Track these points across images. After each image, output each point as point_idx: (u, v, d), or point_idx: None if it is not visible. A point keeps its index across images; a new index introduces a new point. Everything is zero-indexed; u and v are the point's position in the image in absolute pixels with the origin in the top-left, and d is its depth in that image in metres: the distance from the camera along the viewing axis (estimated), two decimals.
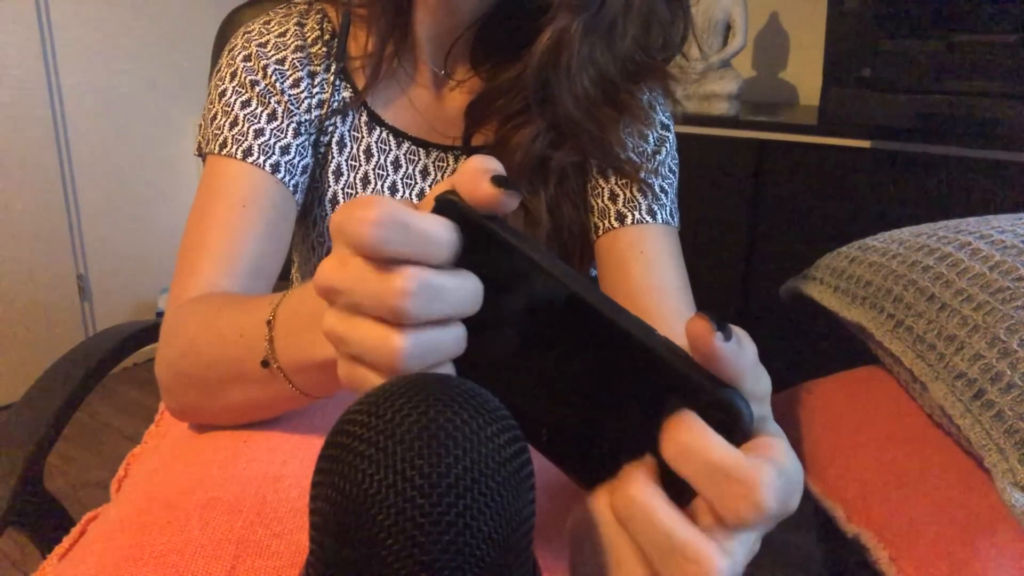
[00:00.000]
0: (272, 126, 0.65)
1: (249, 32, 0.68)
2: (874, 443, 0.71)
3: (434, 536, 0.24)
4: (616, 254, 0.66)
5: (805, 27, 1.99)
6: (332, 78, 0.68)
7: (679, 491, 0.28)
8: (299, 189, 0.66)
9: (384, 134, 0.70)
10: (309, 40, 0.68)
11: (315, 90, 0.68)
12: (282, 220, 0.64)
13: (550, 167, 0.66)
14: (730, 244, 1.72)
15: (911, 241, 0.77)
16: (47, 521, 0.68)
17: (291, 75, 0.66)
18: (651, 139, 0.70)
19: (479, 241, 0.31)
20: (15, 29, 2.00)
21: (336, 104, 0.68)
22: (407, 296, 0.29)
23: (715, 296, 1.76)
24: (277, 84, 0.66)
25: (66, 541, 0.54)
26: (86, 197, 2.20)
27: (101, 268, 2.27)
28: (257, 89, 0.65)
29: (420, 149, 0.70)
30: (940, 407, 0.65)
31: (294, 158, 0.65)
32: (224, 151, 0.63)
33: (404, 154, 0.70)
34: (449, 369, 0.32)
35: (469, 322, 0.31)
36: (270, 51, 0.67)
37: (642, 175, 0.67)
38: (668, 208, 0.68)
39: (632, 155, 0.68)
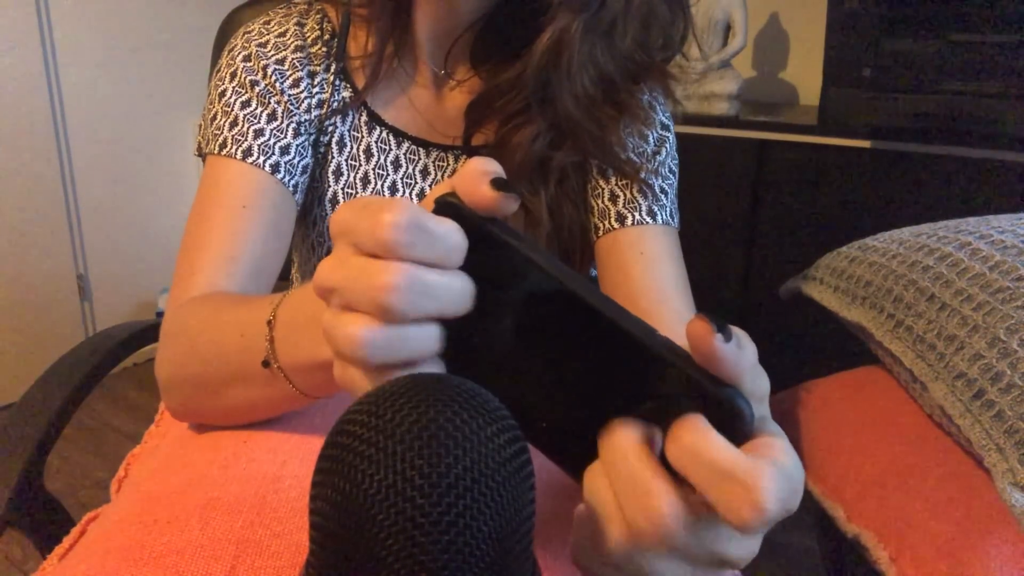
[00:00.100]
0: (272, 126, 0.65)
1: (249, 32, 0.68)
2: (874, 443, 0.71)
3: (434, 536, 0.24)
4: (616, 255, 0.66)
5: (805, 27, 1.99)
6: (332, 78, 0.68)
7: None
8: (299, 189, 0.66)
9: (384, 134, 0.70)
10: (309, 40, 0.68)
11: (315, 90, 0.68)
12: (282, 220, 0.64)
13: (550, 167, 0.66)
14: (730, 244, 1.72)
15: (911, 241, 0.77)
16: (47, 521, 0.68)
17: (291, 75, 0.66)
18: (651, 139, 0.70)
19: (479, 242, 0.31)
20: (15, 29, 2.01)
21: (336, 104, 0.68)
22: (394, 291, 0.29)
23: (715, 296, 1.76)
24: (277, 84, 0.66)
25: (66, 541, 0.54)
26: (86, 197, 2.20)
27: (101, 268, 2.27)
28: (257, 89, 0.65)
29: (420, 149, 0.70)
30: (940, 407, 0.65)
31: (294, 158, 0.65)
32: (224, 151, 0.63)
33: (404, 154, 0.70)
34: (437, 367, 0.32)
35: (470, 322, 0.31)
36: (270, 51, 0.67)
37: (642, 175, 0.67)
38: (668, 209, 0.68)
39: (632, 155, 0.68)
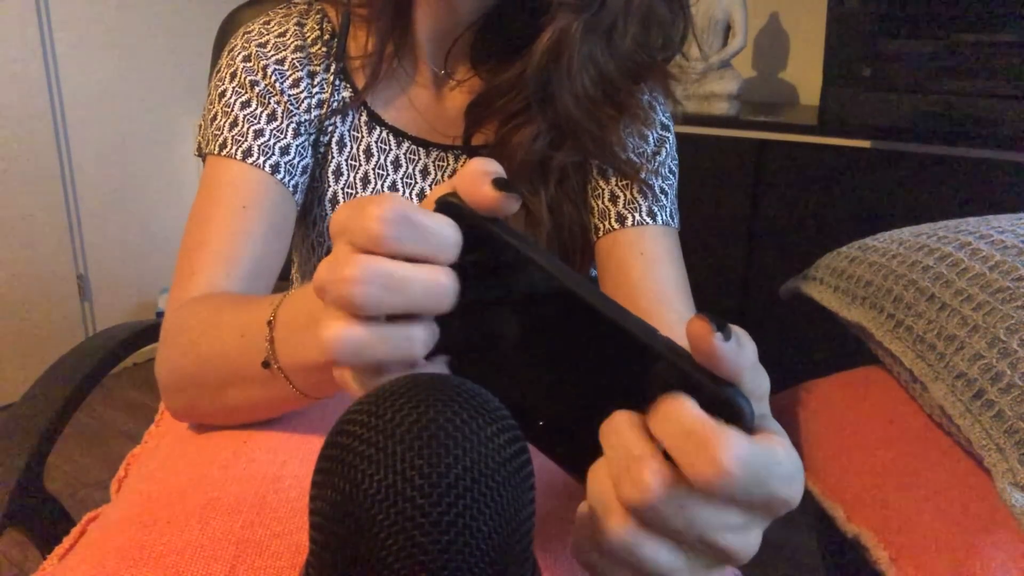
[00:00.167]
0: (272, 126, 0.65)
1: (249, 32, 0.68)
2: (874, 443, 0.71)
3: (434, 536, 0.24)
4: (616, 255, 0.66)
5: (805, 27, 1.99)
6: (332, 78, 0.68)
7: None
8: (299, 189, 0.66)
9: (384, 134, 0.70)
10: (309, 40, 0.68)
11: (315, 90, 0.68)
12: (282, 220, 0.64)
13: (551, 167, 0.66)
14: (730, 244, 1.72)
15: (911, 241, 0.77)
16: (47, 521, 0.68)
17: (291, 75, 0.66)
18: (651, 139, 0.70)
19: (480, 242, 0.31)
20: (15, 29, 2.01)
21: (336, 104, 0.68)
22: (354, 283, 0.29)
23: (715, 296, 1.76)
24: (277, 84, 0.66)
25: (66, 541, 0.54)
26: (86, 197, 2.20)
27: (101, 268, 2.27)
28: (257, 89, 0.65)
29: (420, 148, 0.70)
30: (940, 407, 0.65)
31: (294, 158, 0.65)
32: (224, 152, 0.63)
33: (404, 153, 0.70)
34: (440, 367, 0.32)
35: (471, 322, 0.31)
36: (270, 51, 0.67)
37: (642, 176, 0.67)
38: (668, 209, 0.68)
39: (632, 156, 0.68)
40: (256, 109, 0.65)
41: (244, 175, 0.63)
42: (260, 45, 0.67)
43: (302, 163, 0.66)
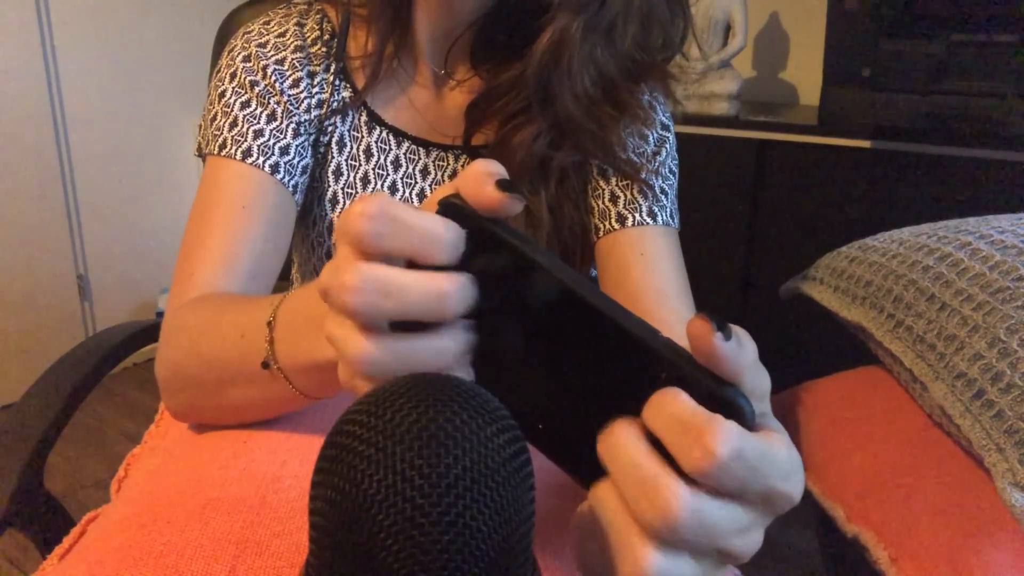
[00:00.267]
0: (272, 127, 0.65)
1: (249, 33, 0.68)
2: (874, 443, 0.71)
3: (434, 536, 0.24)
4: (616, 256, 0.66)
5: (805, 27, 1.99)
6: (332, 78, 0.68)
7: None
8: (299, 189, 0.66)
9: (384, 134, 0.70)
10: (309, 40, 0.68)
11: (315, 90, 0.68)
12: (282, 220, 0.64)
13: (551, 167, 0.66)
14: (730, 244, 1.72)
15: (911, 241, 0.77)
16: (47, 521, 0.68)
17: (291, 75, 0.66)
18: (651, 139, 0.70)
19: (482, 243, 0.31)
20: (15, 29, 2.01)
21: (336, 104, 0.68)
22: (350, 291, 0.29)
23: (715, 296, 1.76)
24: (277, 84, 0.66)
25: (66, 541, 0.54)
26: (86, 197, 2.21)
27: (101, 268, 2.27)
28: (257, 90, 0.65)
29: (420, 148, 0.70)
30: (940, 407, 0.65)
31: (293, 158, 0.65)
32: (224, 152, 0.63)
33: (404, 153, 0.70)
34: (464, 372, 0.31)
35: (472, 322, 0.31)
36: (270, 51, 0.67)
37: (643, 176, 0.67)
38: (668, 209, 0.68)
39: (632, 156, 0.68)
40: (256, 109, 0.65)
41: (244, 175, 0.63)
42: (260, 45, 0.67)
43: (302, 163, 0.66)
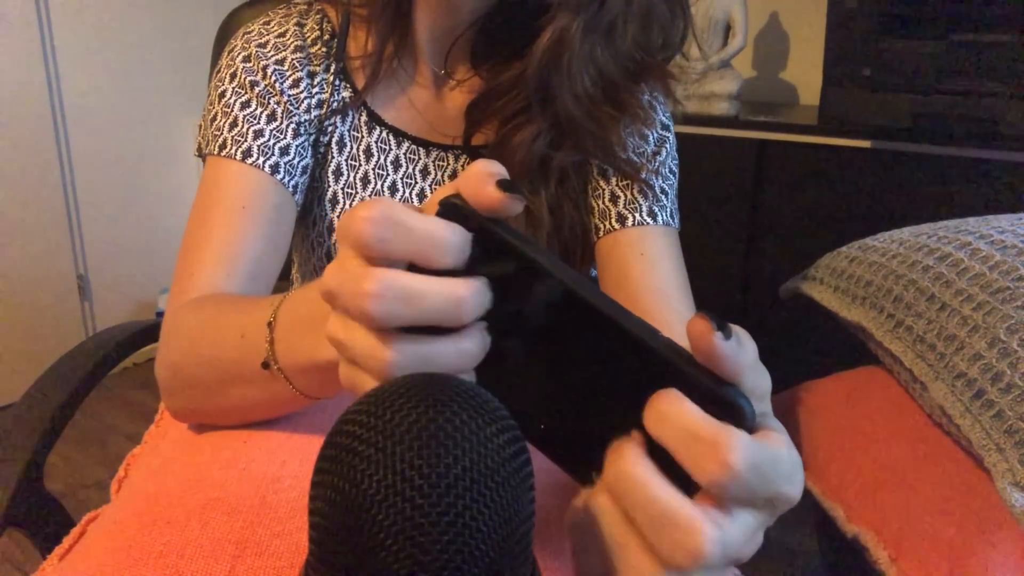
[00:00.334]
0: (271, 127, 0.65)
1: (249, 33, 0.68)
2: (874, 443, 0.71)
3: (433, 536, 0.24)
4: (617, 256, 0.66)
5: (805, 27, 1.99)
6: (332, 78, 0.68)
7: (684, 484, 0.28)
8: (299, 189, 0.66)
9: (384, 134, 0.70)
10: (309, 40, 0.68)
11: (315, 90, 0.68)
12: (282, 221, 0.64)
13: (551, 167, 0.66)
14: (730, 244, 1.72)
15: (911, 241, 0.77)
16: (47, 521, 0.68)
17: (291, 75, 0.66)
18: (651, 139, 0.70)
19: (483, 244, 0.31)
20: (15, 29, 2.01)
21: (336, 104, 0.68)
22: (370, 298, 0.29)
23: (715, 296, 1.76)
24: (277, 85, 0.66)
25: (66, 541, 0.54)
26: (86, 197, 2.21)
27: (101, 268, 2.27)
28: (257, 90, 0.65)
29: (420, 148, 0.70)
30: (940, 407, 0.65)
31: (293, 159, 0.65)
32: (224, 152, 0.63)
33: (404, 153, 0.70)
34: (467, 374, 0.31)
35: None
36: (270, 52, 0.67)
37: (643, 176, 0.67)
38: (668, 209, 0.68)
39: (633, 155, 0.68)
40: (256, 109, 0.65)
41: (244, 175, 0.63)
42: (260, 45, 0.67)
43: (302, 163, 0.66)
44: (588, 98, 0.64)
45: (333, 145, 0.69)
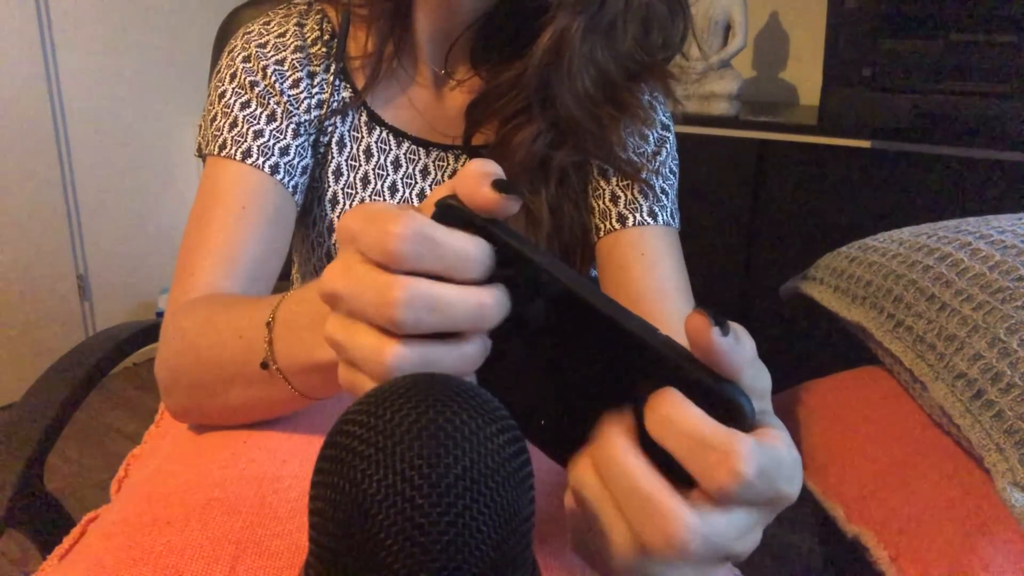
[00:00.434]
0: (271, 127, 0.65)
1: (249, 33, 0.68)
2: (874, 443, 0.71)
3: (433, 536, 0.24)
4: (617, 256, 0.66)
5: (805, 27, 1.99)
6: (332, 78, 0.68)
7: (677, 473, 0.28)
8: (299, 190, 0.66)
9: (384, 134, 0.70)
10: (309, 40, 0.68)
11: (315, 90, 0.68)
12: (282, 221, 0.64)
13: (551, 167, 0.66)
14: (730, 244, 1.72)
15: (911, 241, 0.77)
16: (47, 521, 0.68)
17: (290, 76, 0.66)
18: (652, 140, 0.70)
19: None
20: (15, 29, 2.01)
21: (335, 104, 0.68)
22: (399, 306, 0.29)
23: (715, 296, 1.76)
24: (276, 85, 0.66)
25: (66, 541, 0.54)
26: (86, 197, 2.20)
27: (101, 268, 2.27)
28: (256, 90, 0.65)
29: (420, 149, 0.70)
30: (940, 407, 0.65)
31: (293, 159, 0.65)
32: (223, 152, 0.63)
33: (404, 154, 0.70)
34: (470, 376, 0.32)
35: None
36: (269, 52, 0.67)
37: (643, 176, 0.67)
38: (669, 209, 0.68)
39: (633, 156, 0.68)
40: (256, 110, 0.65)
41: (243, 176, 0.63)
42: (260, 46, 0.67)
43: (302, 163, 0.66)
44: (588, 98, 0.64)
45: (333, 145, 0.69)
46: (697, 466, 0.27)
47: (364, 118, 0.69)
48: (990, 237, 0.71)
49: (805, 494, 0.73)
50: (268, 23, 0.69)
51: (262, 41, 0.67)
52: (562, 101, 0.63)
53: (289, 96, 0.66)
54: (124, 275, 2.32)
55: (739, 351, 0.28)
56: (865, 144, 1.53)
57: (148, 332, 0.86)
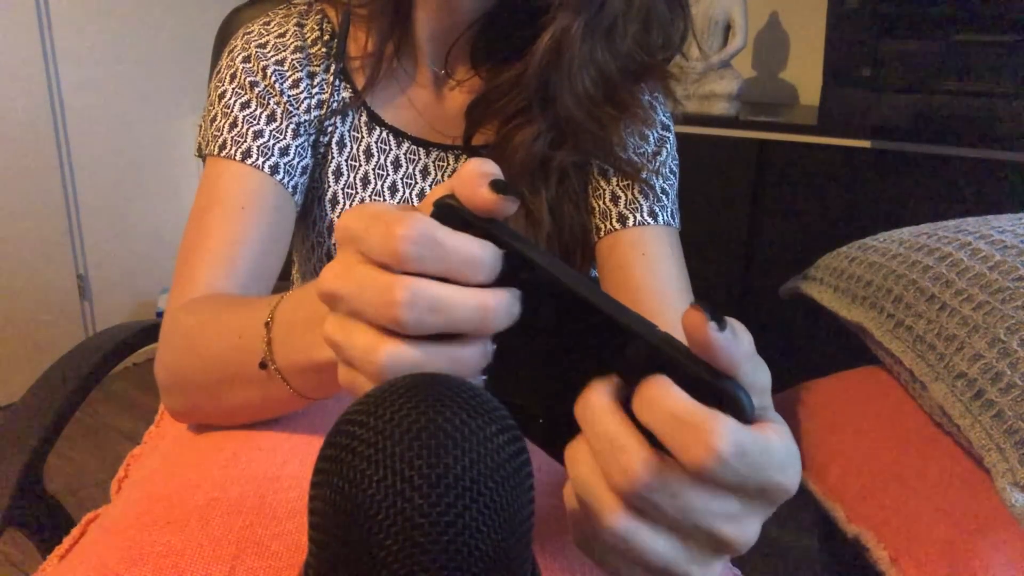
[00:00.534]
0: (271, 127, 0.65)
1: (249, 33, 0.68)
2: (874, 443, 0.71)
3: (433, 536, 0.24)
4: (618, 256, 0.66)
5: (805, 27, 1.99)
6: (332, 78, 0.68)
7: None
8: (299, 190, 0.66)
9: (384, 134, 0.70)
10: (309, 41, 0.68)
11: (314, 91, 0.68)
12: (281, 221, 0.64)
13: (551, 167, 0.66)
14: (730, 244, 1.72)
15: (911, 241, 0.77)
16: (47, 521, 0.68)
17: (290, 76, 0.66)
18: (652, 140, 0.70)
19: None
20: (15, 29, 2.01)
21: (335, 104, 0.68)
22: (401, 306, 0.29)
23: (715, 296, 1.76)
24: (276, 85, 0.66)
25: (66, 541, 0.54)
26: (86, 197, 2.20)
27: (101, 268, 2.27)
28: (256, 90, 0.65)
29: (420, 149, 0.70)
30: (940, 407, 0.65)
31: (293, 159, 0.65)
32: (223, 153, 0.63)
33: (404, 154, 0.70)
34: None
35: None
36: (269, 52, 0.67)
37: (643, 176, 0.67)
38: (669, 209, 0.68)
39: (633, 156, 0.68)
40: (256, 110, 0.65)
41: (243, 176, 0.63)
42: (260, 46, 0.67)
43: (301, 164, 0.66)
44: (588, 98, 0.64)
45: (333, 145, 0.69)
46: (675, 442, 0.27)
47: (364, 118, 0.69)
48: (990, 237, 0.71)
49: (806, 494, 0.73)
50: (268, 23, 0.69)
51: (262, 41, 0.67)
52: (562, 101, 0.63)
53: (289, 96, 0.66)
54: (124, 275, 2.32)
55: (736, 346, 0.28)
56: (865, 144, 1.53)
57: (148, 332, 0.86)
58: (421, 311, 0.29)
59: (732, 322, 0.28)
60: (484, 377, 0.32)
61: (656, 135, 0.70)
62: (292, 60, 0.67)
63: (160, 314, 2.31)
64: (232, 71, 0.66)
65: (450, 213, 0.31)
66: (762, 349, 0.30)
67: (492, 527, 0.25)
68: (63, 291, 2.19)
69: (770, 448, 0.27)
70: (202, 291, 0.58)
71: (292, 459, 0.49)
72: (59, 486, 1.76)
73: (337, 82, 0.68)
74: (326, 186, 0.69)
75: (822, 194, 1.60)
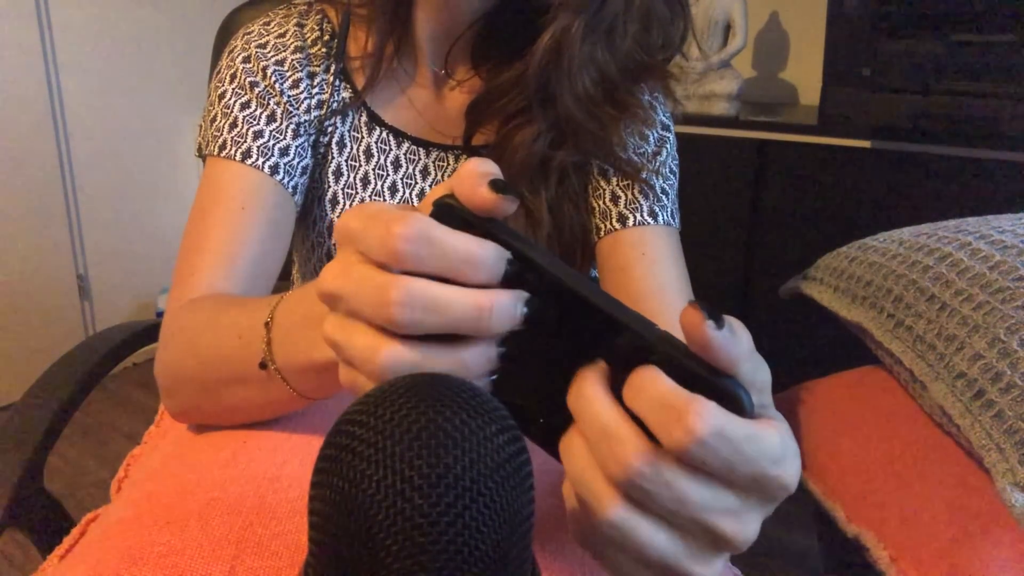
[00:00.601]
0: (271, 128, 0.65)
1: (249, 33, 0.68)
2: (874, 444, 0.71)
3: (433, 536, 0.24)
4: (618, 256, 0.66)
5: (805, 27, 1.99)
6: (332, 78, 0.68)
7: None
8: (298, 190, 0.66)
9: (384, 134, 0.70)
10: (309, 41, 0.68)
11: (314, 91, 0.68)
12: (281, 221, 0.64)
13: (551, 167, 0.66)
14: (730, 244, 1.73)
15: (911, 241, 0.77)
16: (47, 521, 0.68)
17: (290, 76, 0.66)
18: (652, 140, 0.70)
19: None
20: (15, 29, 2.01)
21: (335, 104, 0.68)
22: (396, 305, 0.29)
23: (715, 296, 1.76)
24: (276, 85, 0.66)
25: (66, 541, 0.54)
26: (86, 197, 2.20)
27: (101, 268, 2.27)
28: (256, 91, 0.65)
29: (420, 149, 0.70)
30: (940, 407, 0.65)
31: (293, 159, 0.65)
32: (223, 153, 0.63)
33: (404, 154, 0.70)
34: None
35: None
36: (269, 52, 0.67)
37: (643, 175, 0.67)
38: (669, 209, 0.68)
39: (633, 156, 0.68)
40: (256, 110, 0.65)
41: (243, 176, 0.63)
42: (260, 46, 0.67)
43: (301, 164, 0.66)
44: (588, 98, 0.64)
45: (333, 146, 0.69)
46: (658, 426, 0.27)
47: (364, 118, 0.69)
48: (990, 237, 0.71)
49: (806, 494, 0.73)
50: (268, 23, 0.69)
51: (262, 42, 0.67)
52: (562, 101, 0.63)
53: (289, 96, 0.66)
54: (124, 275, 2.32)
55: (735, 344, 0.28)
56: (865, 144, 1.53)
57: (148, 332, 0.86)
58: (416, 311, 0.29)
59: (730, 320, 0.28)
60: (490, 378, 0.32)
61: (656, 135, 0.70)
62: (292, 60, 0.67)
63: (160, 314, 2.31)
64: (232, 71, 0.66)
65: (450, 213, 0.31)
66: (762, 349, 0.30)
67: (492, 527, 0.25)
68: (63, 291, 2.19)
69: (761, 439, 0.27)
70: (202, 291, 0.58)
71: (292, 459, 0.49)
72: (59, 486, 1.76)
73: (337, 82, 0.68)
74: (326, 186, 0.69)
75: (822, 194, 1.60)
